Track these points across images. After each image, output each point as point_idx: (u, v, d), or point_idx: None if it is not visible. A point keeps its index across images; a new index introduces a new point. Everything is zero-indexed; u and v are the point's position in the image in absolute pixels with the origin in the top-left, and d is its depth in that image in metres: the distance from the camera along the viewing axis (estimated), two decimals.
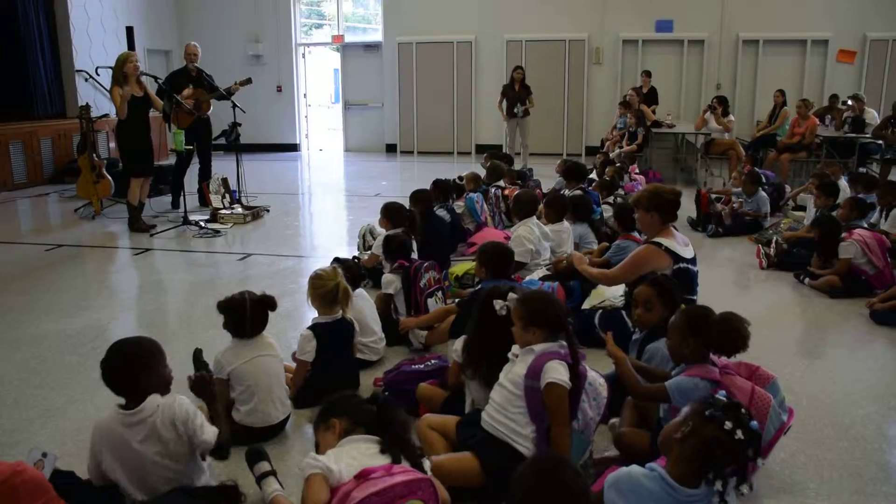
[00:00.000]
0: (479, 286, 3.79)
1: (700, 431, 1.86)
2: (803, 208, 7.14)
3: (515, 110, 11.04)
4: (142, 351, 2.30)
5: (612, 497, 1.94)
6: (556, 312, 2.52)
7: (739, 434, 1.82)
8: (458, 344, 2.97)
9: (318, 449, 2.22)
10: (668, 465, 1.94)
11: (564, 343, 2.49)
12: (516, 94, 11.05)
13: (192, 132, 7.79)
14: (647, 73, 11.57)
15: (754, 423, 1.89)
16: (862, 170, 7.94)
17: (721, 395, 2.03)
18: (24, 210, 8.70)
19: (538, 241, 4.90)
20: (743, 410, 1.92)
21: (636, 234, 5.06)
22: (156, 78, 7.56)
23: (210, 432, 2.31)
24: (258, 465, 2.52)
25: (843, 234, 5.12)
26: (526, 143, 11.32)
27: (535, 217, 5.08)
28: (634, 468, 1.99)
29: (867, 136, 9.35)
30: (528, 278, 4.48)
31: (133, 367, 2.25)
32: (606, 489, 1.96)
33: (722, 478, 1.83)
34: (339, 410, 2.20)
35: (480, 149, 12.83)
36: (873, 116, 9.87)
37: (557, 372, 2.39)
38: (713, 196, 7.35)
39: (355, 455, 2.07)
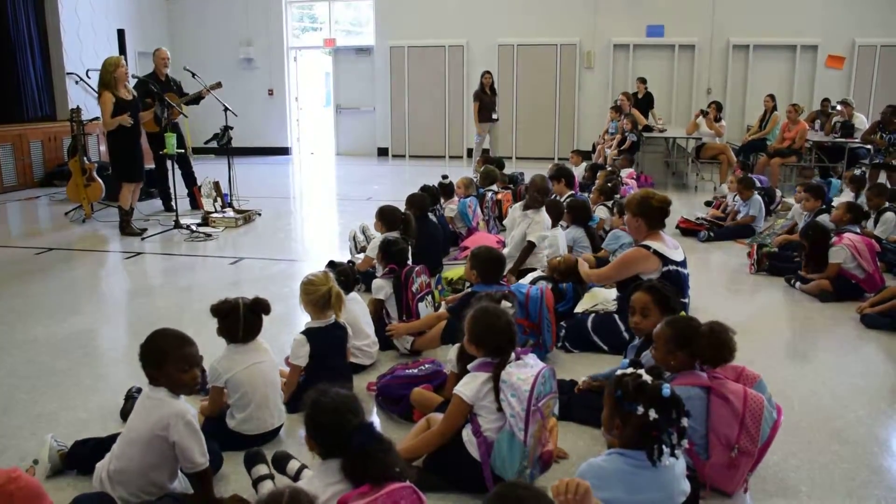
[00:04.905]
0: (470, 290, 3.80)
1: (628, 422, 2.03)
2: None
3: (494, 116, 11.05)
4: (161, 345, 2.40)
5: None
6: (497, 338, 2.56)
7: (653, 414, 2.00)
8: (452, 353, 2.96)
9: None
10: (619, 444, 2.12)
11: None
12: (490, 100, 11.04)
13: (162, 139, 7.43)
14: (643, 80, 11.57)
15: (666, 388, 2.03)
16: (857, 172, 7.99)
17: (623, 364, 2.12)
18: (13, 213, 8.64)
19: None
20: (647, 379, 2.05)
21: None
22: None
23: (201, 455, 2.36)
24: (256, 467, 2.51)
25: (834, 239, 5.14)
26: (496, 150, 11.32)
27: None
28: (593, 460, 2.11)
29: (856, 140, 9.44)
30: (518, 282, 4.48)
31: (147, 358, 2.39)
32: None
33: (667, 444, 2.02)
34: (318, 437, 2.07)
35: (472, 153, 12.86)
36: (862, 121, 9.99)
37: (464, 384, 2.55)
38: (696, 219, 7.33)
39: (332, 480, 2.01)
